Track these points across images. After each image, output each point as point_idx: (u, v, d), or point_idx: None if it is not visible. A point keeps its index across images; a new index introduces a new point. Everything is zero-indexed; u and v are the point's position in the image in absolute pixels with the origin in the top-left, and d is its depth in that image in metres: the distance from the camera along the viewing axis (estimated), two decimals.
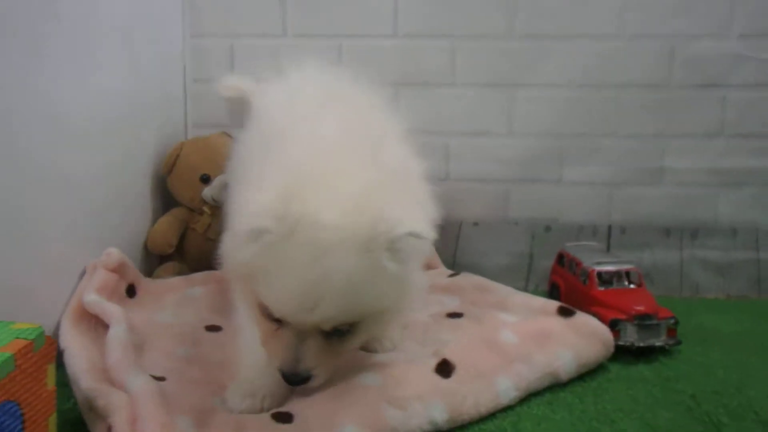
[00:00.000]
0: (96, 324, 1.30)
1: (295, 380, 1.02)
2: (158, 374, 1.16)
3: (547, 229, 1.86)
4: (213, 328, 1.41)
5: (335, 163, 1.02)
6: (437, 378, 1.13)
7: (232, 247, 1.03)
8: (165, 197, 1.79)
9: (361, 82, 1.29)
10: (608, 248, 1.82)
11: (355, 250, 0.95)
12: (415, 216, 1.02)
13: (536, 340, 1.26)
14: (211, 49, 1.92)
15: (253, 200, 0.98)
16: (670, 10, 1.77)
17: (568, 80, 1.82)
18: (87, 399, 1.05)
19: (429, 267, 1.75)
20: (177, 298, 1.56)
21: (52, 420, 0.92)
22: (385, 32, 1.85)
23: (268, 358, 1.06)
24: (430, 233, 1.01)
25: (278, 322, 1.02)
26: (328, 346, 1.03)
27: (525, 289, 1.74)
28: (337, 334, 1.02)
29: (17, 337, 0.86)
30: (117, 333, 1.21)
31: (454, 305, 1.53)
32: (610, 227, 1.85)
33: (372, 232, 0.96)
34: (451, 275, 1.69)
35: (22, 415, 0.85)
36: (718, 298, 1.77)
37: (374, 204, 0.98)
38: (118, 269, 1.44)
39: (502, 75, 1.84)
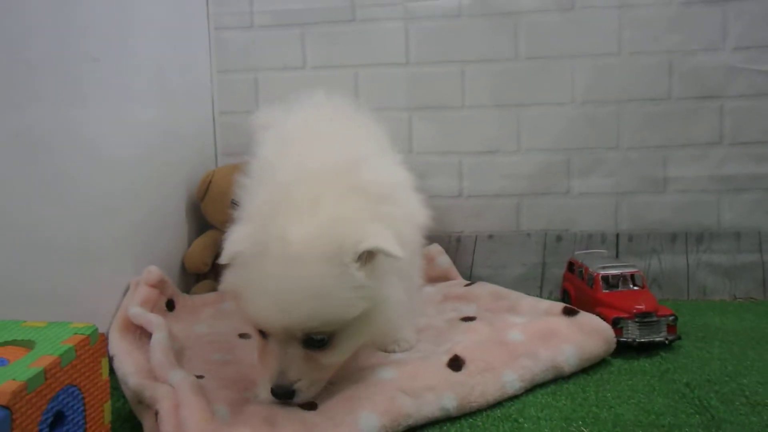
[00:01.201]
0: (140, 334, 1.42)
1: (281, 392, 1.12)
2: (197, 374, 1.28)
3: (558, 239, 1.95)
4: (245, 336, 1.51)
5: (311, 190, 1.15)
6: (449, 372, 1.24)
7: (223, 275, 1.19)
8: (199, 221, 1.91)
9: (355, 108, 1.45)
10: (617, 255, 1.91)
11: (320, 261, 1.08)
12: (383, 234, 1.12)
13: (541, 337, 1.36)
14: (237, 82, 2.05)
15: (235, 231, 1.15)
16: (666, 27, 1.86)
17: (571, 98, 1.91)
18: (135, 393, 1.18)
19: (446, 278, 1.87)
20: (212, 311, 1.68)
21: (107, 407, 1.04)
22: (397, 60, 1.96)
23: (262, 376, 1.16)
24: (397, 251, 1.10)
25: (265, 336, 1.14)
26: (310, 359, 1.13)
27: (539, 297, 1.82)
28: (316, 344, 1.12)
29: (76, 333, 0.99)
30: (159, 338, 1.33)
31: (469, 311, 1.63)
32: (618, 235, 1.92)
33: (338, 246, 1.09)
34: (467, 284, 1.79)
35: (83, 398, 0.97)
36: (725, 300, 1.85)
37: (343, 223, 1.11)
38: (159, 285, 1.57)
39: (509, 96, 1.93)
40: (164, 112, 1.76)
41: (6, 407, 0.82)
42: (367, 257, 1.11)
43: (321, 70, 2.00)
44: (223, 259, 1.14)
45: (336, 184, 1.16)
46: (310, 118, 1.40)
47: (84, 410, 0.98)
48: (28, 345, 0.95)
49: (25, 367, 0.88)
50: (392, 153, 1.42)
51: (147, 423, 1.13)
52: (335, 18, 1.98)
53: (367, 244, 1.09)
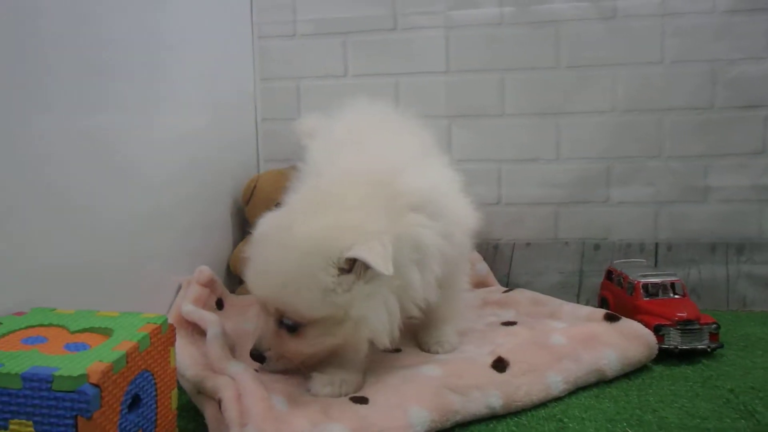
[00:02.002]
0: (192, 330, 1.46)
1: (254, 353, 1.24)
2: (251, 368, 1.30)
3: (596, 247, 1.95)
4: None
5: (341, 195, 1.22)
6: (493, 372, 1.26)
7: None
8: (244, 225, 1.95)
9: (399, 115, 1.50)
10: (656, 265, 1.90)
11: (302, 256, 1.15)
12: (375, 247, 1.14)
13: (584, 341, 1.37)
14: (279, 90, 2.08)
15: (264, 217, 1.26)
16: (710, 36, 1.85)
17: (612, 106, 1.91)
18: (195, 385, 1.25)
19: (484, 285, 1.88)
20: (257, 310, 1.68)
21: (174, 394, 1.09)
22: (438, 69, 1.98)
23: None
24: (381, 265, 1.13)
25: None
26: (280, 337, 1.22)
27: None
28: (287, 328, 1.21)
29: (149, 322, 1.04)
30: (216, 333, 1.38)
31: (509, 316, 1.64)
32: (657, 245, 1.92)
33: (324, 248, 1.16)
34: (506, 291, 1.80)
35: (155, 384, 1.03)
36: (765, 311, 1.83)
37: (343, 230, 1.16)
38: (209, 284, 1.62)
39: (549, 104, 1.94)
40: (211, 120, 1.80)
41: (97, 385, 0.87)
42: (362, 269, 1.16)
43: (362, 78, 2.03)
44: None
45: (369, 191, 1.22)
46: (355, 125, 1.43)
47: (156, 395, 1.03)
48: (106, 332, 1.01)
49: (109, 350, 0.94)
50: (439, 156, 1.45)
51: (209, 411, 1.18)
52: (377, 27, 2.00)
53: (350, 253, 1.14)
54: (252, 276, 1.23)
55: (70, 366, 0.89)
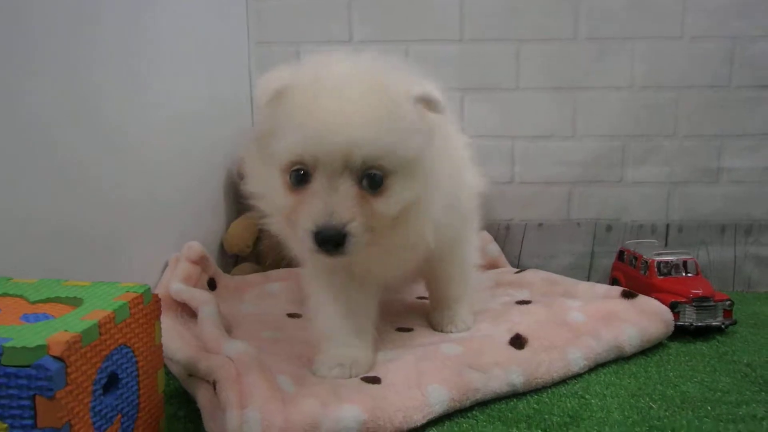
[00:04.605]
0: (182, 312, 1.41)
1: (330, 234, 1.00)
2: None
3: (608, 228, 1.95)
4: (294, 316, 1.51)
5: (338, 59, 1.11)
6: (512, 349, 1.25)
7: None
8: (238, 201, 1.82)
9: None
10: (666, 245, 1.91)
11: (382, 88, 1.04)
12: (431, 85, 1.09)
13: (603, 318, 1.38)
14: (277, 55, 1.95)
15: (267, 74, 1.09)
16: (731, 12, 1.83)
17: (630, 82, 1.88)
18: (186, 367, 1.16)
19: (495, 266, 1.88)
20: (257, 292, 1.66)
21: (161, 374, 0.99)
22: (451, 37, 1.91)
23: (296, 228, 1.05)
24: (443, 100, 1.08)
25: (305, 181, 1.04)
26: (363, 200, 1.04)
27: None
28: (371, 184, 1.04)
29: (128, 291, 0.93)
30: (209, 312, 1.32)
31: (523, 296, 1.64)
32: (668, 226, 1.93)
33: (380, 80, 1.06)
34: (518, 272, 1.80)
35: (137, 362, 0.92)
36: None
37: (393, 72, 1.09)
38: (200, 262, 1.55)
39: (566, 78, 1.90)
40: (204, 87, 1.72)
41: (60, 359, 0.74)
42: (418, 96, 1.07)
43: (368, 45, 1.91)
44: (263, 97, 1.07)
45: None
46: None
47: (138, 375, 0.93)
48: (74, 302, 0.89)
49: (77, 320, 0.81)
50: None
51: (202, 395, 1.08)
52: None
53: (420, 89, 1.06)
54: (325, 129, 1.00)
55: (26, 337, 0.76)
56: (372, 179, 1.04)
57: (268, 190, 1.12)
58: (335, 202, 1.01)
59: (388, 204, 1.06)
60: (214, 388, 1.05)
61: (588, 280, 1.90)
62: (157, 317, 0.97)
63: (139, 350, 0.92)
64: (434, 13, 1.91)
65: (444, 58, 1.93)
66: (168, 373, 1.21)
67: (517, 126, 1.94)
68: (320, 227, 1.00)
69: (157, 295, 0.98)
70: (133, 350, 0.91)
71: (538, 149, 1.95)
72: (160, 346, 0.99)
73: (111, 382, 0.86)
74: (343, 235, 1.01)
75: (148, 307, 0.94)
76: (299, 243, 1.07)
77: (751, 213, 1.91)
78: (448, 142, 1.24)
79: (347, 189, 1.02)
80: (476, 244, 1.50)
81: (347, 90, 1.03)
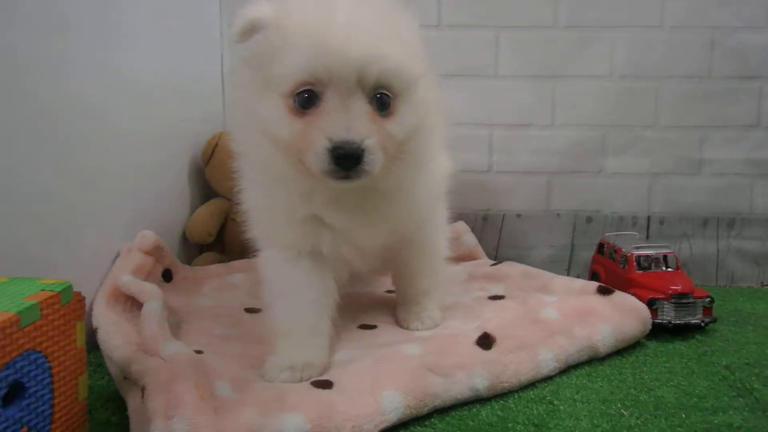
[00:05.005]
0: (131, 305, 1.33)
1: (349, 149, 0.97)
2: (196, 348, 1.17)
3: (589, 220, 1.90)
4: (253, 310, 1.44)
5: None
6: (478, 350, 1.18)
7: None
8: (204, 187, 1.81)
9: None
10: (647, 238, 1.86)
11: (379, 11, 1.05)
12: None
13: (577, 315, 1.31)
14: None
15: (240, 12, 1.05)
16: (712, 2, 1.79)
17: (609, 71, 1.85)
18: (121, 368, 1.09)
19: (472, 257, 1.82)
20: (217, 284, 1.60)
21: (83, 380, 0.92)
22: (428, 22, 1.86)
23: (306, 154, 1.01)
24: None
25: (313, 103, 1.01)
26: (376, 120, 1.02)
27: None
28: (379, 105, 1.02)
29: (43, 289, 0.86)
30: (153, 307, 1.24)
31: (498, 290, 1.57)
32: (649, 218, 1.88)
33: (386, 6, 1.07)
34: (494, 264, 1.74)
35: (50, 368, 0.85)
36: (752, 287, 1.81)
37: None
38: (154, 252, 1.48)
39: (545, 66, 1.86)
40: (169, 67, 1.65)
41: None
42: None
43: None
44: (241, 29, 1.04)
45: None
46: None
47: (51, 382, 0.85)
48: None
49: None
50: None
51: (132, 402, 1.02)
52: None
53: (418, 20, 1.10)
54: (338, 44, 0.97)
55: None
56: (381, 101, 1.02)
57: (269, 123, 1.05)
58: (350, 117, 0.98)
59: (397, 125, 1.05)
60: (143, 394, 0.97)
61: (568, 272, 1.88)
62: (80, 318, 0.90)
63: (54, 355, 0.85)
64: None
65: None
66: (108, 374, 1.15)
67: (496, 114, 1.90)
68: (338, 143, 0.97)
69: (79, 294, 0.91)
70: (45, 355, 0.83)
71: (517, 138, 1.90)
72: (83, 349, 0.92)
73: (15, 391, 0.79)
74: (362, 150, 0.98)
75: (67, 307, 0.87)
76: (309, 170, 1.01)
77: (733, 206, 1.86)
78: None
79: (360, 106, 1.00)
80: (446, 235, 1.41)
81: (353, 11, 1.00)
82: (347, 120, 0.98)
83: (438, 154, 1.29)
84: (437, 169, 1.30)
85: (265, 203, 1.19)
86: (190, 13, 1.78)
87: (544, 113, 1.88)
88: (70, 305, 0.88)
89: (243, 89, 1.10)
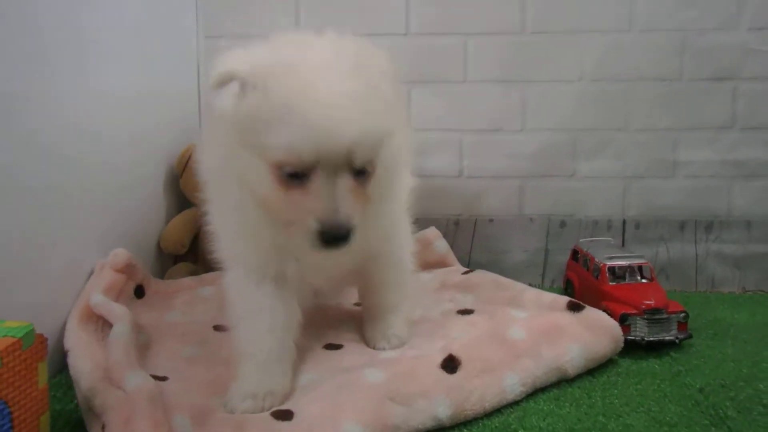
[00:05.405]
0: (103, 325, 1.31)
1: (342, 233, 0.99)
2: (160, 374, 1.17)
3: (563, 224, 1.85)
4: (221, 328, 1.41)
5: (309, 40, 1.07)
6: (442, 374, 1.14)
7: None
8: (179, 198, 1.80)
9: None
10: (623, 243, 1.82)
11: (368, 72, 1.02)
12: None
13: (545, 335, 1.26)
14: (226, 49, 1.88)
15: (225, 56, 1.02)
16: (680, 3, 1.76)
17: (579, 75, 1.81)
18: (86, 399, 1.07)
19: (444, 264, 1.77)
20: (188, 297, 1.58)
21: (45, 419, 0.91)
22: (397, 30, 1.85)
23: (290, 225, 1.02)
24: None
25: (299, 178, 0.99)
26: (357, 191, 1.02)
27: (541, 285, 1.78)
28: (360, 175, 1.02)
29: (5, 335, 0.85)
30: (120, 332, 1.22)
31: (467, 302, 1.53)
32: (624, 222, 1.84)
33: (362, 59, 1.03)
34: (466, 272, 1.69)
35: (11, 413, 0.84)
36: (734, 293, 1.76)
37: (360, 46, 1.07)
38: (126, 270, 1.46)
39: (515, 71, 1.83)
40: (144, 79, 1.64)
41: None
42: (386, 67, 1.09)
43: None
44: (219, 78, 1.00)
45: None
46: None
47: (12, 427, 0.85)
48: None
49: None
50: None
51: None
52: None
53: (391, 65, 1.07)
54: (325, 125, 0.96)
55: None
56: (361, 170, 1.02)
57: (254, 184, 1.04)
58: (338, 198, 0.99)
59: (375, 186, 1.05)
60: (103, 431, 0.97)
61: (543, 277, 1.85)
62: (42, 358, 0.89)
63: (15, 400, 0.84)
64: (380, 5, 1.85)
65: (390, 51, 1.81)
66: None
67: (466, 119, 1.87)
68: (328, 226, 0.98)
69: (41, 336, 0.89)
70: (6, 401, 0.83)
71: (488, 143, 1.86)
72: (45, 389, 0.91)
73: None
74: (349, 230, 0.99)
75: (28, 351, 0.86)
76: (297, 238, 1.02)
77: (710, 208, 1.83)
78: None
79: (347, 183, 1.00)
80: (411, 248, 1.37)
81: (338, 81, 0.98)
82: (335, 201, 0.99)
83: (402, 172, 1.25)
84: (401, 186, 1.26)
85: (231, 229, 1.17)
86: (166, 26, 1.78)
87: (514, 118, 1.85)
88: (31, 348, 0.87)
89: (221, 137, 1.06)
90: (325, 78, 0.98)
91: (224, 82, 1.01)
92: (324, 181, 0.99)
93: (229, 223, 1.16)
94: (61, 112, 1.32)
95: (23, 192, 1.21)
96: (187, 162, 1.74)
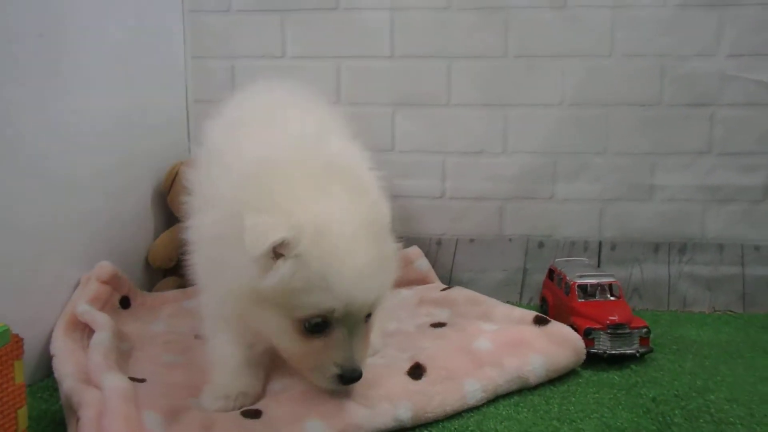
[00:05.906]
0: (88, 333, 1.36)
1: (357, 375, 1.09)
2: (139, 377, 1.23)
3: (541, 245, 1.91)
4: (202, 337, 1.42)
5: (292, 170, 1.10)
6: (408, 380, 1.20)
7: (246, 276, 1.05)
8: (167, 214, 1.84)
9: (309, 94, 1.39)
10: (599, 264, 1.87)
11: (381, 231, 1.11)
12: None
13: (510, 346, 1.32)
14: (213, 70, 1.98)
15: (255, 221, 1.01)
16: (660, 30, 1.81)
17: (560, 99, 1.86)
18: (66, 398, 1.12)
19: (425, 281, 1.83)
20: (172, 309, 1.63)
21: (22, 413, 0.96)
22: (382, 53, 1.90)
23: (312, 373, 1.10)
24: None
25: (320, 331, 1.07)
26: (366, 333, 1.12)
27: (519, 303, 1.82)
28: (367, 318, 1.12)
29: None
30: (100, 338, 1.27)
31: (442, 316, 1.59)
32: (600, 243, 1.89)
33: (375, 217, 1.11)
34: (444, 289, 1.75)
35: None
36: (704, 312, 1.81)
37: (368, 196, 1.12)
38: (111, 281, 1.52)
39: (497, 95, 1.88)
40: (128, 97, 1.69)
41: None
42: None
43: (301, 60, 1.94)
44: (260, 249, 1.01)
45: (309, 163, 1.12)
46: (259, 104, 1.36)
47: None
48: None
49: None
50: (350, 138, 1.31)
51: (70, 431, 1.08)
52: (317, 5, 1.91)
53: (387, 212, 1.14)
54: (354, 286, 1.05)
55: None
56: (368, 317, 1.13)
57: (272, 334, 1.12)
58: (355, 346, 1.09)
59: (373, 330, 1.18)
60: (77, 426, 1.02)
61: (521, 296, 1.89)
62: (18, 357, 0.94)
63: None
64: (365, 30, 1.91)
65: (375, 74, 1.92)
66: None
67: (449, 141, 1.92)
68: (348, 371, 1.08)
69: (17, 336, 0.94)
70: None
71: (469, 165, 1.92)
72: (22, 385, 0.96)
73: None
74: (360, 372, 1.09)
75: (4, 350, 0.91)
76: (315, 379, 1.11)
77: (684, 231, 1.87)
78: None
79: (361, 331, 1.10)
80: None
81: (363, 251, 1.06)
82: (354, 350, 1.09)
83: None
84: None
85: (213, 294, 1.22)
86: (153, 45, 1.84)
87: (496, 141, 1.90)
88: (7, 347, 0.92)
89: (234, 282, 1.10)
90: (353, 248, 1.05)
91: (273, 253, 1.03)
92: (344, 331, 1.08)
93: (209, 273, 1.22)
94: (48, 129, 1.38)
95: (11, 207, 1.27)
96: (174, 179, 1.78)
